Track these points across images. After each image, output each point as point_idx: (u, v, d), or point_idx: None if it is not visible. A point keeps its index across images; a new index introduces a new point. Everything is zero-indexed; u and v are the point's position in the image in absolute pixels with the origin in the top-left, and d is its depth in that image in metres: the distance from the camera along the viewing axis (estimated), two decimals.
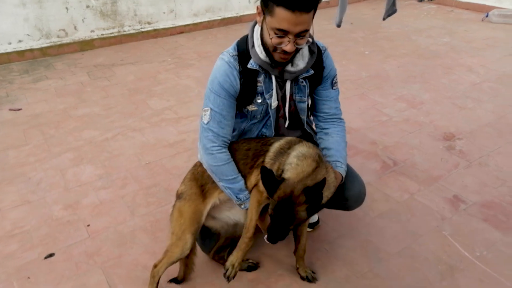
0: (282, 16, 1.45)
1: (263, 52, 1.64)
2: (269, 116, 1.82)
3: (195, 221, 1.72)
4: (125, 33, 5.32)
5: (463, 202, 2.43)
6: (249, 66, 1.66)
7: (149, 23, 5.46)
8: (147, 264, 2.01)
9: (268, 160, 1.66)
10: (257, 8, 1.57)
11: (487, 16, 6.03)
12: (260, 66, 1.67)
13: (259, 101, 1.76)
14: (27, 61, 4.70)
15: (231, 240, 1.94)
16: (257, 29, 1.67)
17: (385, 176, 2.68)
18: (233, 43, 1.75)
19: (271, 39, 1.53)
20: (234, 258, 1.67)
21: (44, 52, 4.82)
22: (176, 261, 1.76)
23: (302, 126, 1.94)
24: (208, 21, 5.90)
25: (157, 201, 2.46)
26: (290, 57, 1.63)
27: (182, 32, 5.73)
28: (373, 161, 2.83)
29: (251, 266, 1.98)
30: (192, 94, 3.83)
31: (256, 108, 1.79)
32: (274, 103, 1.76)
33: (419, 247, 2.11)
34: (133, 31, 5.38)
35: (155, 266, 1.75)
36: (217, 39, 5.53)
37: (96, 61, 4.75)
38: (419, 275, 1.94)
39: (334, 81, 1.87)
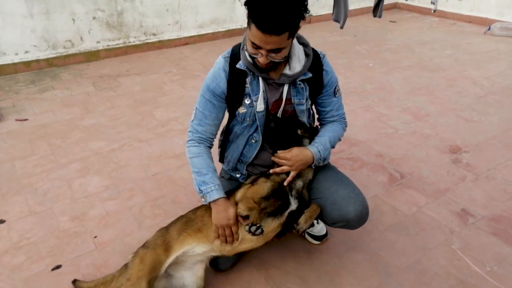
0: (254, 33, 1.52)
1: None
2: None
3: (154, 270, 1.68)
4: (130, 44, 5.36)
5: (471, 215, 2.42)
6: (237, 66, 1.73)
7: (154, 34, 5.51)
8: None
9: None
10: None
11: (489, 29, 6.07)
12: (247, 67, 1.73)
13: (248, 102, 1.79)
14: (33, 72, 4.73)
15: None
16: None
17: (392, 189, 2.67)
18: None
19: (248, 49, 1.62)
20: None
21: (50, 62, 4.85)
22: None
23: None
24: (213, 33, 5.95)
25: (163, 213, 2.46)
26: (272, 65, 1.67)
27: (187, 44, 5.77)
28: (380, 174, 2.83)
29: None
30: None
31: (245, 110, 1.81)
32: (260, 106, 1.78)
33: (428, 261, 2.10)
34: (139, 42, 5.42)
35: None
36: (221, 50, 5.49)
37: (101, 71, 4.78)
38: None
39: (336, 89, 1.90)
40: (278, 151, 1.80)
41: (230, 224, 1.71)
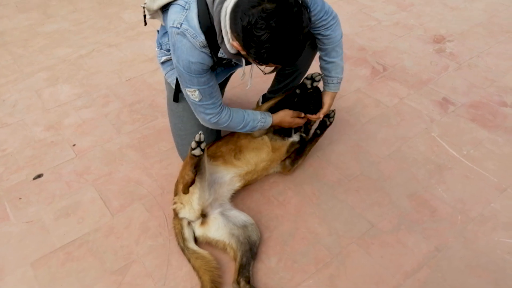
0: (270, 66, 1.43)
1: (234, 49, 1.43)
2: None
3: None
4: None
5: (452, 104, 2.43)
6: (219, 55, 1.54)
7: None
8: (139, 179, 2.00)
9: None
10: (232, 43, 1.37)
11: None
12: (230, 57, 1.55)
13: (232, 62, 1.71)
14: None
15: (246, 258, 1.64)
16: (225, 16, 1.33)
17: (374, 82, 2.62)
18: (194, 18, 1.43)
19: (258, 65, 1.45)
20: None
21: None
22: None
23: None
24: None
25: (142, 118, 2.38)
26: None
27: None
28: (363, 67, 2.76)
29: None
30: None
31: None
32: (244, 72, 1.67)
33: (408, 149, 2.14)
34: None
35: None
36: None
37: None
38: (408, 175, 2.00)
39: None
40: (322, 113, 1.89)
41: (296, 115, 1.87)
